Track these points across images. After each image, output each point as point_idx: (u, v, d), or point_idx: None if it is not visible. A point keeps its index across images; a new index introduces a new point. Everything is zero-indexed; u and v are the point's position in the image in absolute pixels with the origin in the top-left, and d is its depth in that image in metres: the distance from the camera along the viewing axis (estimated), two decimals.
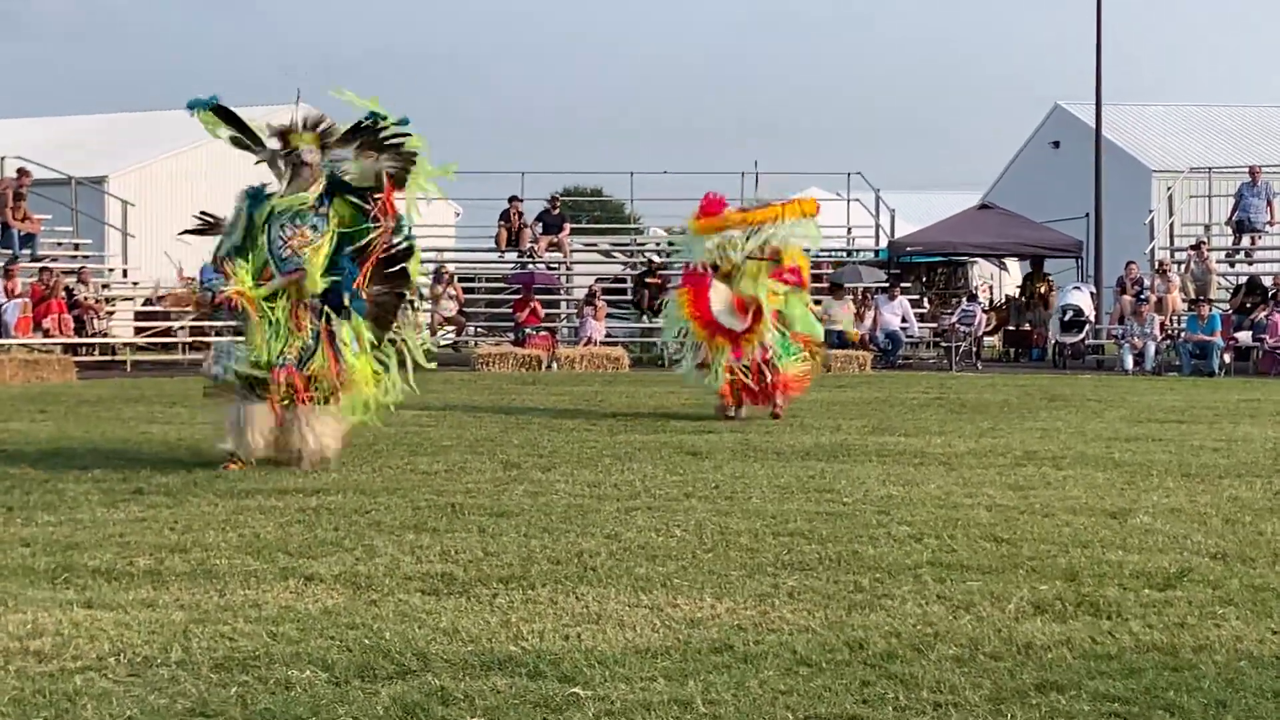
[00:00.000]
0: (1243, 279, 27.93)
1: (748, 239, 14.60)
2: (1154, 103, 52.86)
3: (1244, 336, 25.48)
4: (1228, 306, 26.72)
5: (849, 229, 32.89)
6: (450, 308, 28.93)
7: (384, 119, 10.69)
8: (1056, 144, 50.20)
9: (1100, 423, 14.35)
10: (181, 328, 27.16)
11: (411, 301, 11.53)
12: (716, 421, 14.26)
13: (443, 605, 5.98)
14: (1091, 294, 28.71)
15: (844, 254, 32.57)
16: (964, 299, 30.62)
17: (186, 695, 4.79)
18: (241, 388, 10.51)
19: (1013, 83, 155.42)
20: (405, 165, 10.81)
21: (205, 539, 7.50)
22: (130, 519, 8.18)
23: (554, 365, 25.00)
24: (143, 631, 5.56)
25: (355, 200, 10.75)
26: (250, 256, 10.64)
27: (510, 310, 29.06)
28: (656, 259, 31.04)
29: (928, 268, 33.17)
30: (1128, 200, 37.65)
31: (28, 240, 26.78)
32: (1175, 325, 26.01)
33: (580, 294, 30.21)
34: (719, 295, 14.50)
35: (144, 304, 29.01)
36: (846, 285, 28.00)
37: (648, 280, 29.53)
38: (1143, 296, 26.67)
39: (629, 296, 30.89)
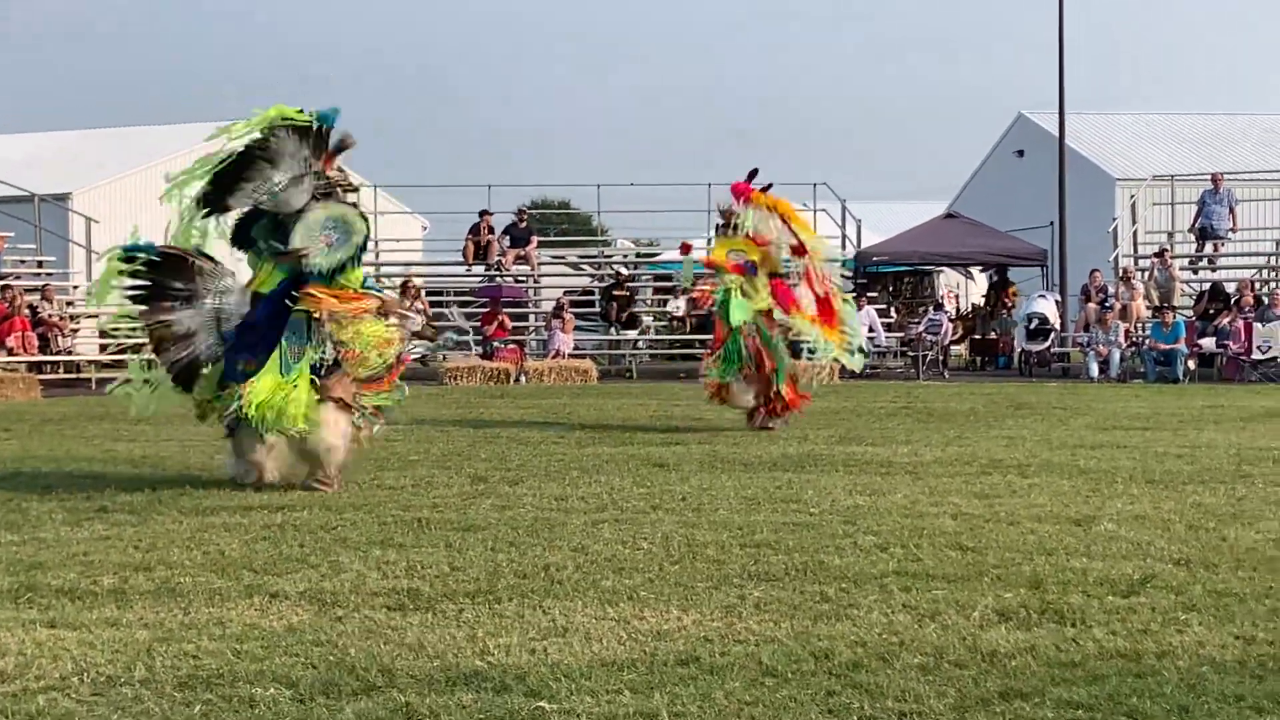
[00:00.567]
0: (1206, 286, 28.09)
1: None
2: (1117, 111, 53.17)
3: (1208, 343, 25.61)
4: (1191, 313, 26.87)
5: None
6: (417, 322, 28.79)
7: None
8: (1020, 153, 50.41)
9: (1066, 430, 14.42)
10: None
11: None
12: (684, 433, 14.28)
13: (408, 621, 5.97)
14: (1057, 302, 28.83)
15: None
16: (930, 308, 30.72)
17: (150, 714, 4.77)
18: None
19: (976, 92, 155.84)
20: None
21: (170, 557, 7.47)
22: (94, 537, 8.14)
23: (522, 378, 24.97)
24: (106, 650, 5.54)
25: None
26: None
27: (478, 324, 29.04)
28: (624, 271, 31.07)
29: (894, 277, 33.26)
30: (1091, 208, 37.82)
31: None
32: (1140, 333, 26.15)
33: (548, 307, 30.19)
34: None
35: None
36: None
37: (615, 292, 29.53)
38: (1107, 304, 26.79)
39: (597, 309, 30.88)
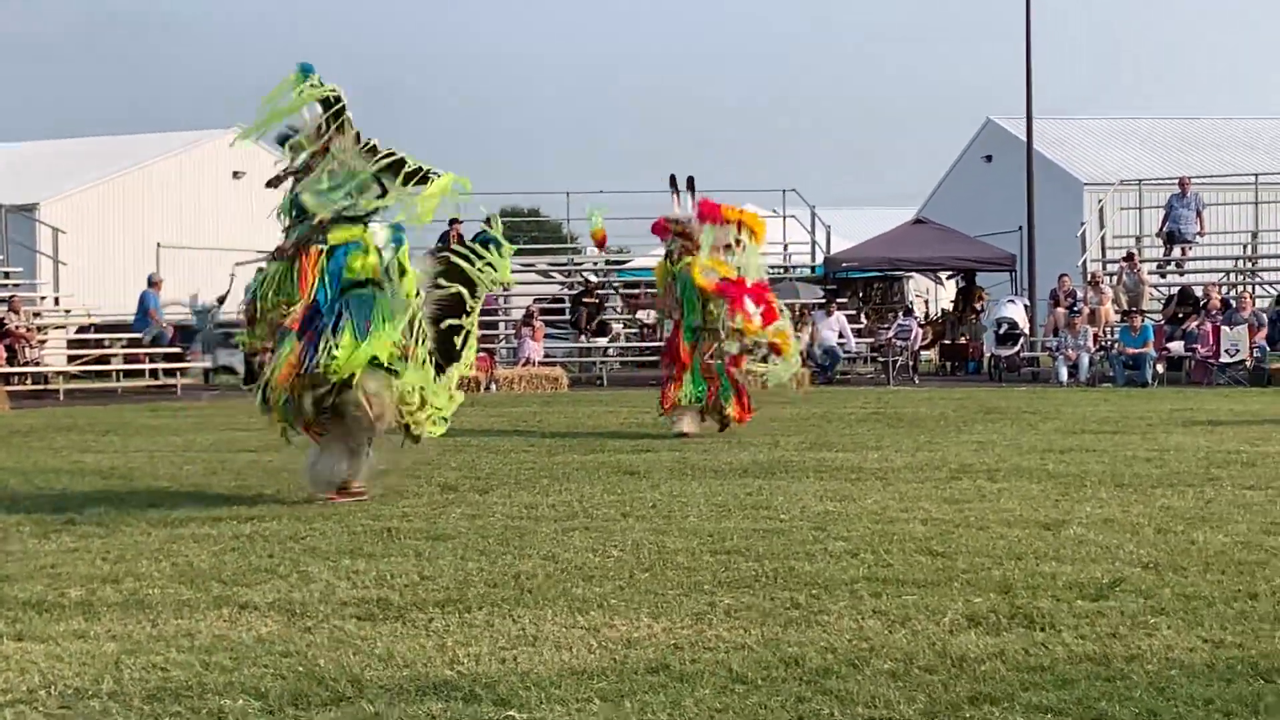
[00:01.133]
0: (1174, 290, 28.23)
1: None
2: (1084, 116, 53.42)
3: (1176, 347, 25.74)
4: (1160, 317, 27.00)
5: (785, 246, 33.00)
6: None
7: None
8: (989, 158, 50.62)
9: (1035, 435, 14.46)
10: (115, 355, 26.93)
11: None
12: (654, 440, 14.27)
13: (378, 631, 5.95)
14: (1025, 307, 28.95)
15: (780, 270, 32.68)
16: (900, 314, 30.81)
17: None
18: None
19: (945, 98, 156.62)
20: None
21: (138, 568, 7.43)
22: (62, 549, 8.09)
23: (492, 386, 24.95)
24: (74, 663, 5.50)
25: None
26: None
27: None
28: (594, 279, 31.06)
29: (864, 283, 33.35)
30: (1060, 213, 37.99)
31: None
32: (1108, 337, 26.25)
33: (518, 314, 30.16)
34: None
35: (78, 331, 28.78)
36: (783, 302, 28.07)
37: (585, 300, 29.52)
38: (1076, 309, 26.90)
39: (567, 316, 30.87)
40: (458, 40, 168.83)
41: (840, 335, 27.66)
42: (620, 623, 6.03)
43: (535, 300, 31.23)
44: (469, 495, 10.13)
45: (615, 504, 9.59)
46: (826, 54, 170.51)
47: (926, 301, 39.87)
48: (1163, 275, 29.92)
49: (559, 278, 34.99)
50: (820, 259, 31.97)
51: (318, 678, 5.21)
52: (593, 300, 29.45)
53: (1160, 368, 25.11)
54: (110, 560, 7.70)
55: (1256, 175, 31.63)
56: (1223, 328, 24.90)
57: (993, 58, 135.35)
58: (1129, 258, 28.80)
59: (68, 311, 29.43)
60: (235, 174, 45.63)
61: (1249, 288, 28.78)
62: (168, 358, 27.20)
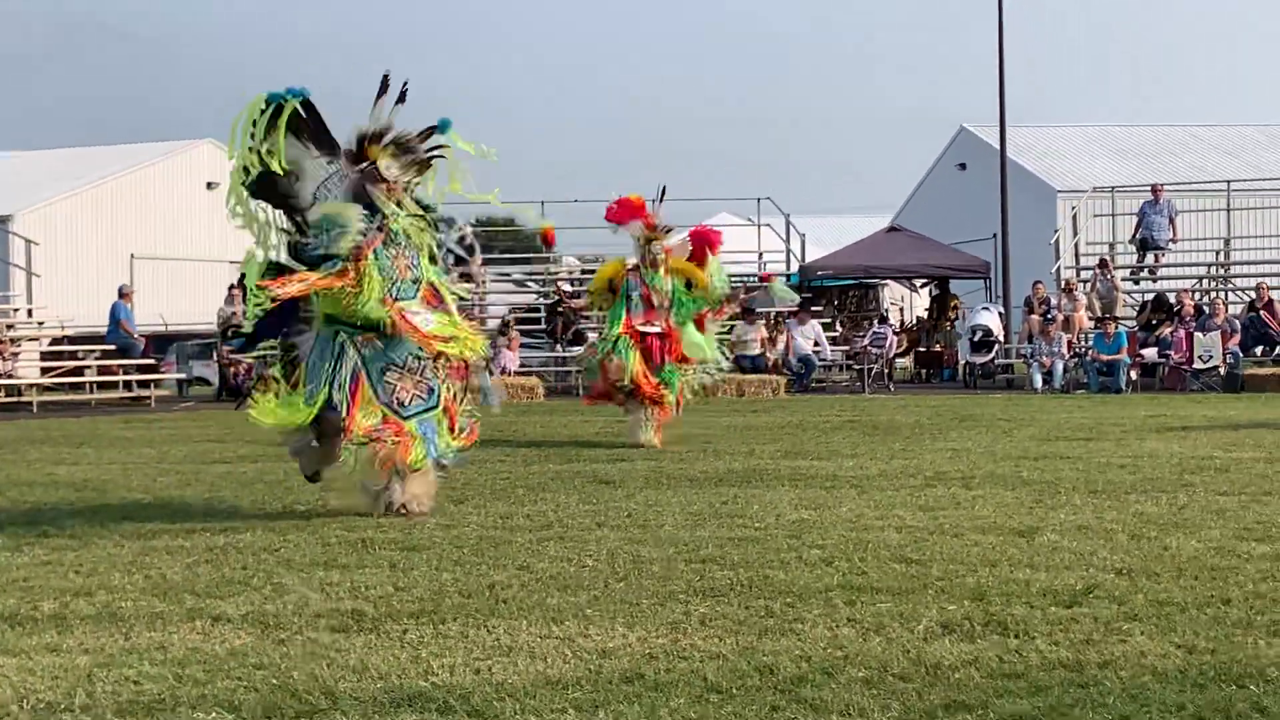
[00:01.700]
0: (1148, 296, 28.33)
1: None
2: (1057, 124, 53.60)
3: (1150, 353, 25.83)
4: (1133, 324, 27.08)
5: (760, 254, 33.05)
6: None
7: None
8: (963, 166, 50.74)
9: (1010, 442, 14.49)
10: (89, 367, 26.82)
11: None
12: (630, 450, 14.25)
13: (352, 642, 5.93)
14: (1000, 314, 29.02)
15: (755, 279, 32.71)
16: (875, 321, 30.86)
17: None
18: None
19: (919, 106, 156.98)
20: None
21: (111, 581, 7.40)
22: (34, 562, 8.05)
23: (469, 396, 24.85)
24: (46, 677, 5.47)
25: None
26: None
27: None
28: (569, 288, 31.02)
29: (839, 291, 33.41)
30: (1034, 220, 38.11)
31: None
32: (1082, 343, 26.33)
33: (494, 324, 30.12)
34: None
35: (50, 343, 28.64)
36: (758, 310, 28.12)
37: (561, 309, 29.50)
38: (1050, 316, 26.98)
39: (543, 326, 30.83)
40: (428, 48, 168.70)
41: (815, 343, 27.69)
42: (595, 632, 6.02)
43: (511, 310, 31.18)
44: (444, 505, 10.11)
45: (590, 513, 9.58)
46: (800, 62, 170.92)
47: (901, 309, 39.95)
48: (1136, 282, 30.01)
49: (534, 287, 34.95)
50: (795, 267, 31.98)
51: (291, 690, 5.19)
52: (569, 308, 29.42)
53: (1134, 374, 25.19)
54: (83, 573, 7.66)
55: (1229, 182, 31.78)
56: (1196, 334, 24.98)
57: (966, 66, 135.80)
58: (1102, 264, 28.89)
59: (41, 323, 29.28)
60: (209, 185, 45.49)
61: (1222, 294, 28.88)
62: (141, 369, 27.09)
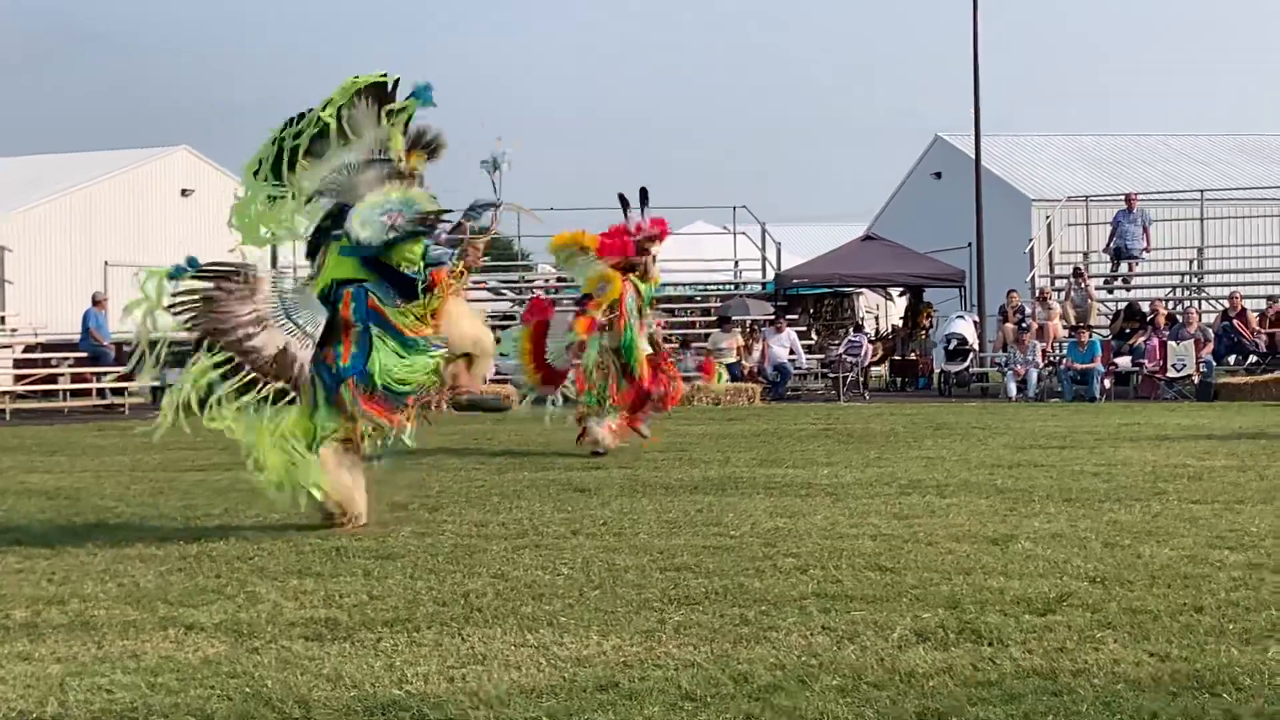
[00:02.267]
0: (1121, 305, 28.42)
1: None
2: (1032, 133, 53.76)
3: (1124, 362, 25.91)
4: (1107, 332, 27.17)
5: (736, 262, 33.07)
6: None
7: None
8: (938, 175, 50.84)
9: (984, 450, 14.53)
10: (62, 375, 26.71)
11: None
12: (605, 458, 14.24)
13: (326, 651, 5.92)
14: (975, 322, 29.08)
15: (731, 287, 32.75)
16: (850, 330, 30.90)
17: None
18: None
19: (895, 115, 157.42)
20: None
21: (83, 589, 7.37)
22: (7, 570, 8.02)
23: (443, 404, 24.79)
24: (18, 685, 5.45)
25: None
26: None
27: None
28: (544, 296, 30.97)
29: (815, 299, 33.42)
30: (1008, 229, 38.21)
31: None
32: (1057, 352, 26.40)
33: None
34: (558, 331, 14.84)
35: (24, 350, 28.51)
36: (734, 318, 28.17)
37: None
38: (1024, 324, 27.04)
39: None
40: (405, 57, 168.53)
41: (791, 352, 27.70)
42: (570, 641, 6.02)
43: (486, 318, 31.12)
44: (419, 513, 10.10)
45: (565, 522, 9.58)
46: (776, 71, 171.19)
47: (877, 318, 39.99)
48: (1110, 291, 30.12)
49: (510, 295, 34.91)
50: (771, 275, 32.02)
51: (264, 699, 5.18)
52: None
53: (1108, 383, 25.27)
54: (56, 581, 7.63)
55: (1202, 191, 31.89)
56: (1169, 343, 25.07)
57: (942, 75, 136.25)
58: (1076, 273, 29.00)
59: (14, 331, 29.16)
60: (184, 192, 45.39)
61: (1195, 303, 29.00)
62: (115, 377, 26.97)
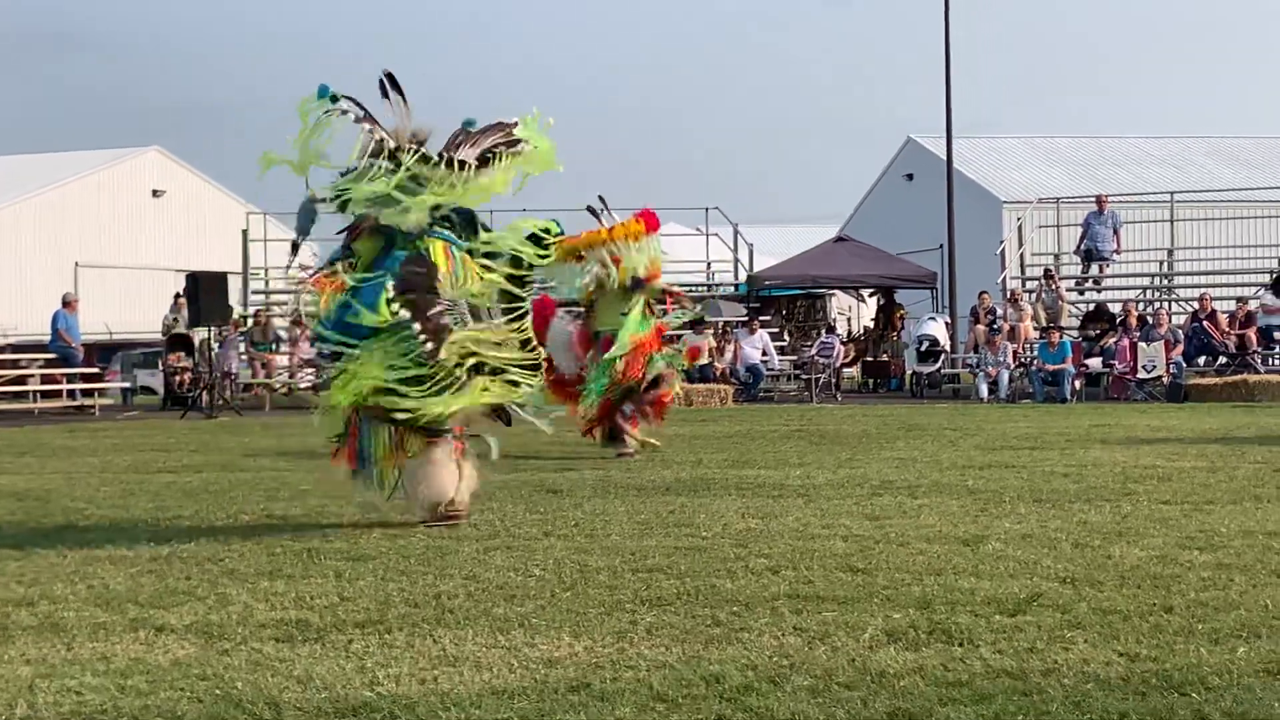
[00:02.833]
0: (1092, 306, 28.55)
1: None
2: (1003, 135, 53.95)
3: (1094, 363, 26.02)
4: (1078, 334, 27.28)
5: (708, 264, 33.09)
6: (309, 350, 28.60)
7: None
8: (910, 176, 51.00)
9: (956, 451, 14.57)
10: (32, 376, 26.57)
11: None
12: (577, 459, 14.23)
13: (296, 653, 5.90)
14: (946, 324, 29.19)
15: (703, 288, 32.76)
16: (823, 331, 30.97)
17: None
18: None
19: (867, 117, 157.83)
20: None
21: (53, 591, 7.34)
22: None
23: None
24: None
25: None
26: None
27: None
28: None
29: (787, 301, 33.47)
30: (980, 231, 38.31)
31: None
32: (1028, 353, 26.50)
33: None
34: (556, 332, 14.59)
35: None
36: (707, 319, 28.19)
37: None
38: (996, 326, 27.14)
39: None
40: (379, 55, 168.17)
41: (763, 353, 27.75)
42: (541, 642, 6.02)
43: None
44: (390, 515, 10.07)
45: (537, 523, 9.57)
46: (749, 73, 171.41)
47: (849, 319, 40.07)
48: (1081, 292, 30.25)
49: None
50: (743, 277, 32.05)
51: (235, 701, 5.16)
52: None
53: (1079, 384, 25.37)
54: (25, 583, 7.60)
55: (1172, 194, 32.09)
56: (1140, 344, 25.19)
57: (914, 77, 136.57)
58: (1047, 275, 29.13)
59: None
60: (155, 192, 45.27)
61: (1165, 304, 29.14)
62: (85, 378, 26.87)
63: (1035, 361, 25.70)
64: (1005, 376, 25.81)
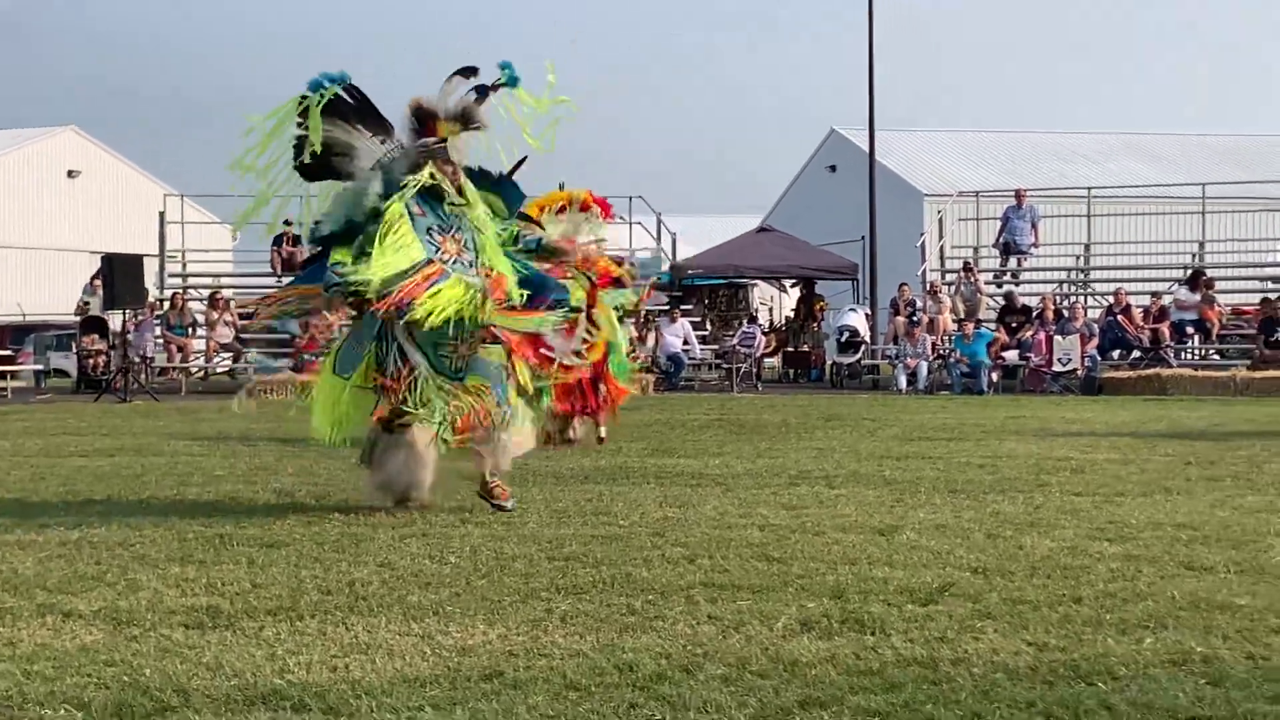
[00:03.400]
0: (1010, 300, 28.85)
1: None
2: (926, 129, 54.34)
3: (1011, 355, 26.28)
4: (995, 326, 27.54)
5: (631, 252, 33.06)
6: (226, 334, 28.40)
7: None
8: (833, 168, 51.27)
9: (873, 441, 14.66)
10: None
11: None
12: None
13: (206, 639, 5.84)
14: (867, 315, 29.38)
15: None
16: (744, 321, 31.08)
17: None
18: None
19: (790, 108, 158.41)
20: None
21: None
22: None
23: None
24: None
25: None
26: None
27: (289, 337, 28.54)
28: None
29: (709, 290, 33.57)
30: (901, 223, 38.61)
31: None
32: (946, 345, 26.73)
33: None
34: None
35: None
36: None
37: None
38: (915, 318, 27.36)
39: None
40: (301, 37, 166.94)
41: (685, 342, 27.80)
42: (455, 630, 5.99)
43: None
44: (305, 501, 10.00)
45: (454, 510, 9.53)
46: (672, 61, 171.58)
47: (770, 309, 40.25)
48: (999, 285, 30.54)
49: None
50: (666, 266, 32.09)
51: (142, 688, 5.10)
52: None
53: (996, 376, 25.62)
54: None
55: (1089, 189, 32.47)
56: (1056, 337, 25.47)
57: (837, 70, 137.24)
58: (966, 268, 29.38)
59: None
60: (70, 173, 44.66)
61: (1081, 298, 29.47)
62: None
63: (953, 353, 25.92)
64: (924, 368, 26.02)
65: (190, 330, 28.81)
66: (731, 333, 30.13)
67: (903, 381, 25.98)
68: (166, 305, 28.75)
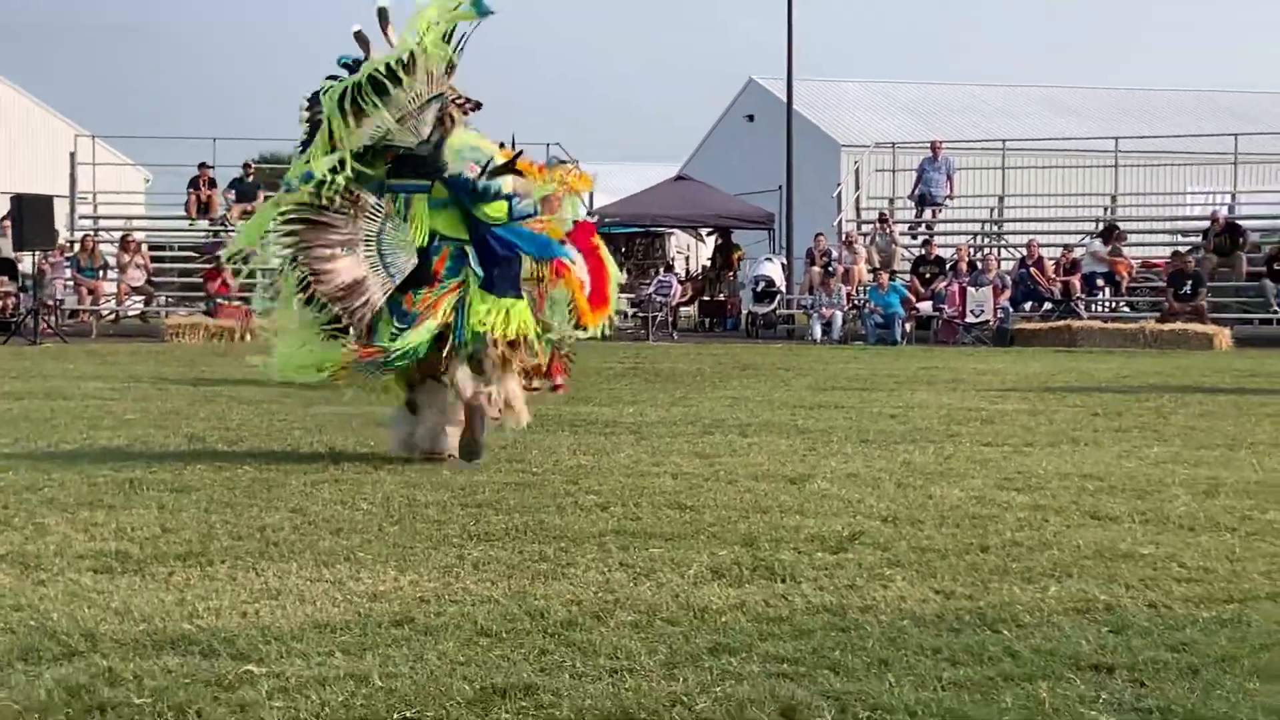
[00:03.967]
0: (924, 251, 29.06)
1: None
2: (844, 79, 54.44)
3: (925, 307, 26.48)
4: (909, 277, 27.72)
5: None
6: (138, 277, 28.06)
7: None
8: (751, 118, 51.30)
9: (787, 391, 14.75)
10: None
11: None
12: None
13: (115, 584, 5.80)
14: (783, 265, 29.48)
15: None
16: (661, 270, 31.10)
17: None
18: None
19: (709, 57, 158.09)
20: None
21: None
22: None
23: (248, 337, 24.42)
24: None
25: None
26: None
27: (201, 280, 28.26)
28: None
29: (626, 239, 33.51)
30: (818, 173, 38.72)
31: None
32: (861, 296, 26.89)
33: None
34: None
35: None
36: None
37: None
38: (831, 268, 27.48)
39: None
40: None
41: None
42: (366, 576, 5.98)
43: None
44: (217, 447, 9.94)
45: (367, 457, 9.50)
46: (591, 10, 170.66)
47: (687, 258, 40.27)
48: (914, 236, 30.74)
49: None
50: (583, 214, 31.97)
51: (49, 632, 5.06)
52: None
53: (909, 326, 25.82)
54: None
55: (1004, 141, 32.66)
56: (969, 289, 25.69)
57: (755, 18, 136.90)
58: (882, 219, 29.55)
59: None
60: None
61: (995, 250, 29.72)
62: None
63: (868, 304, 26.08)
64: (839, 318, 26.17)
65: (101, 273, 28.43)
66: (648, 281, 30.14)
67: (817, 331, 26.12)
68: (77, 247, 28.35)
